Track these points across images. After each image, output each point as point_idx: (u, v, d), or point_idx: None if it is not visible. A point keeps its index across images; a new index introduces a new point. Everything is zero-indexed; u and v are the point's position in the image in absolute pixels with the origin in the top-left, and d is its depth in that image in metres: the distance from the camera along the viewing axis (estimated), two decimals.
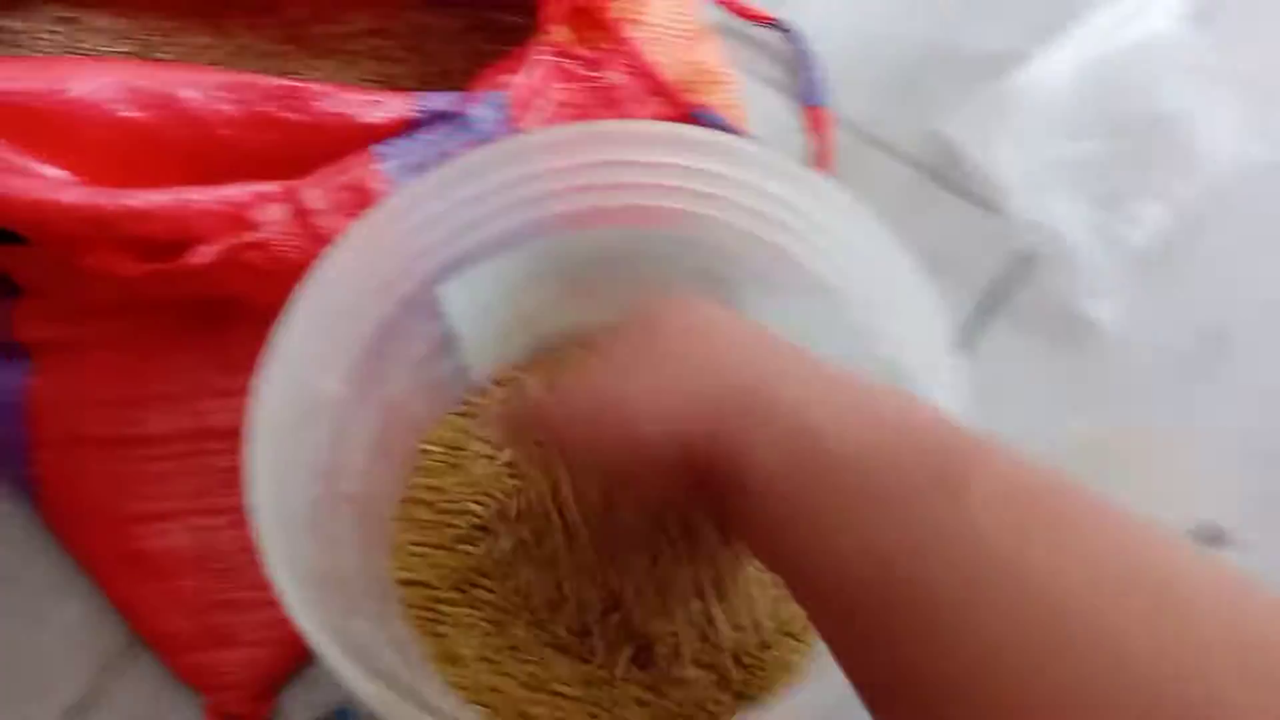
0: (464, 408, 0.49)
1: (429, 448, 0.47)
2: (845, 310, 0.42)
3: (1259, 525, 0.51)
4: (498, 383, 0.49)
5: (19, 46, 0.61)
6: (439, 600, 0.44)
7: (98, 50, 0.62)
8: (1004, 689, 0.22)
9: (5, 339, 0.51)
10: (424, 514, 0.46)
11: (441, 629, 0.43)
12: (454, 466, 0.47)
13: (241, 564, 0.49)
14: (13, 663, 0.49)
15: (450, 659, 0.43)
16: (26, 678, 0.49)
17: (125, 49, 0.62)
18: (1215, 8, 0.65)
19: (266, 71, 0.62)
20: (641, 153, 0.42)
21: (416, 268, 0.42)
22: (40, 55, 0.61)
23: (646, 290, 0.46)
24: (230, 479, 0.49)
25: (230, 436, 0.50)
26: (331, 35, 0.63)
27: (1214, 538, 0.41)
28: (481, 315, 0.47)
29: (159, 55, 0.62)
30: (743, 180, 0.42)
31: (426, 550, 0.45)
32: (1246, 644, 0.21)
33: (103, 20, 0.63)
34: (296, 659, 0.48)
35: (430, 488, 0.47)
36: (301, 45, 0.63)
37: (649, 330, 0.34)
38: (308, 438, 0.38)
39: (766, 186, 0.42)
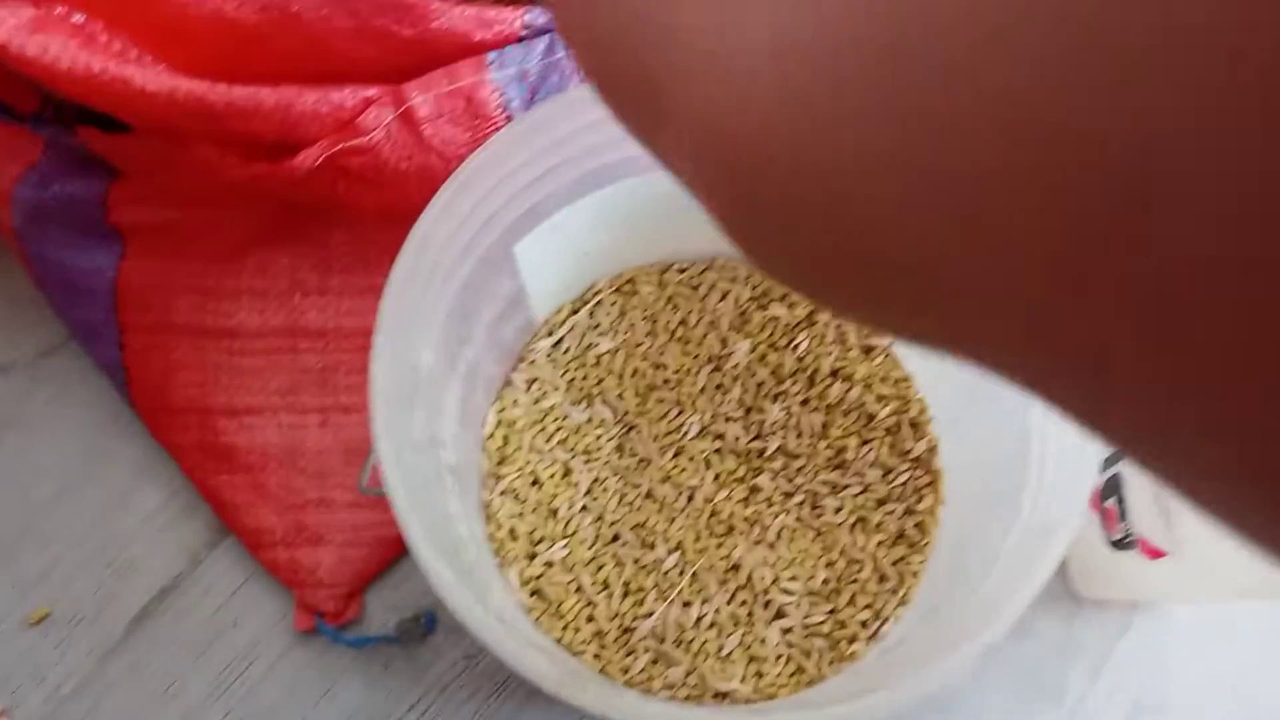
0: (527, 359, 0.49)
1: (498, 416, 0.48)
2: None
3: None
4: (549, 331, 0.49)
5: None
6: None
7: None
8: None
9: (100, 221, 0.50)
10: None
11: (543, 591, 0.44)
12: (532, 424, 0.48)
13: (331, 466, 0.49)
14: (104, 542, 0.49)
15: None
16: (115, 557, 0.49)
17: None
18: None
19: None
20: None
21: (497, 223, 0.41)
22: None
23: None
24: (321, 379, 0.50)
25: (322, 336, 0.50)
26: None
27: None
28: (548, 267, 0.46)
29: None
30: None
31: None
32: None
33: None
34: (384, 560, 0.48)
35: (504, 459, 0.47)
36: None
37: None
38: (414, 414, 0.38)
39: None
